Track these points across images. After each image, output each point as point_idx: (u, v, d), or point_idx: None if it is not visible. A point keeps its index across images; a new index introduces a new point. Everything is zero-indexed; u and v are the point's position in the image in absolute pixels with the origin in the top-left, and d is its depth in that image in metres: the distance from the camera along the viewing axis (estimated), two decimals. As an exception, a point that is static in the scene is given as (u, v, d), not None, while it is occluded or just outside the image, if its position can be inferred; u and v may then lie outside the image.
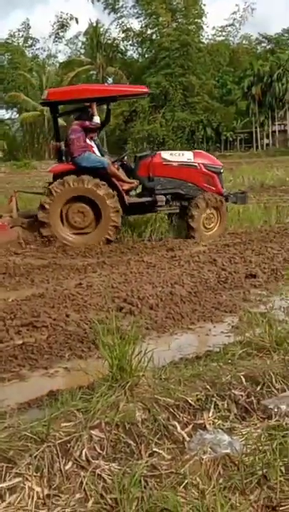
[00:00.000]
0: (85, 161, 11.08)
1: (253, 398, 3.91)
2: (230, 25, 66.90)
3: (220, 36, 67.28)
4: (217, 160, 12.73)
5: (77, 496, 3.02)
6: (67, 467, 3.15)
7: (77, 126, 11.32)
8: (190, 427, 3.60)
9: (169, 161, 11.74)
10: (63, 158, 11.72)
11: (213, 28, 76.56)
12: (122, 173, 11.59)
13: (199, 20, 64.98)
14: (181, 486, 3.04)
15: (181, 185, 11.73)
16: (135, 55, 69.80)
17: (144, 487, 3.05)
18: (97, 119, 11.49)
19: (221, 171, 12.34)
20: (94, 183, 10.94)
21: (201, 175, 11.83)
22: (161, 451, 3.38)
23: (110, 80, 68.51)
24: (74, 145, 11.10)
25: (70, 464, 3.17)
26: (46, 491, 3.01)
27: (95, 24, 66.69)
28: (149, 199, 11.61)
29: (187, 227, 11.61)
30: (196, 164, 11.86)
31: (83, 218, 11.15)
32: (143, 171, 11.70)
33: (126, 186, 11.44)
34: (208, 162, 12.12)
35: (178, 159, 11.83)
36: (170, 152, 12.27)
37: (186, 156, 12.02)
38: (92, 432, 3.35)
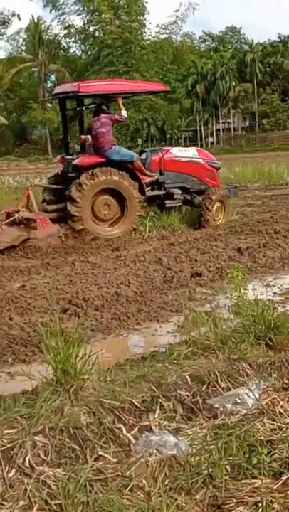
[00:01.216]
0: (115, 154, 11.45)
1: (198, 398, 3.93)
2: (173, 23, 67.24)
3: (163, 34, 67.61)
4: (214, 157, 13.65)
5: (21, 503, 2.97)
6: (10, 475, 3.09)
7: (107, 119, 11.59)
8: (136, 429, 3.59)
9: (179, 156, 12.53)
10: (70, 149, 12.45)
11: (157, 25, 76.92)
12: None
13: (142, 18, 65.15)
14: (127, 489, 3.03)
15: (187, 179, 12.50)
16: (78, 52, 69.47)
17: (90, 491, 3.03)
18: (124, 113, 12.03)
19: (219, 166, 13.54)
20: (120, 175, 11.34)
21: (204, 170, 12.76)
22: (106, 455, 3.36)
23: (53, 77, 67.99)
24: (104, 138, 11.42)
25: (14, 471, 3.11)
26: (-11, 500, 2.95)
27: (36, 20, 66.03)
28: (163, 192, 12.28)
29: (200, 219, 12.29)
30: (201, 160, 12.80)
31: (109, 210, 11.50)
32: (155, 165, 12.25)
33: (147, 179, 11.91)
34: (209, 158, 13.14)
35: (186, 155, 12.69)
36: (178, 148, 13.13)
37: (192, 152, 12.96)
38: (36, 437, 3.30)
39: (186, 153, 12.87)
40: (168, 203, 12.39)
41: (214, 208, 12.39)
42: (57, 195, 12.11)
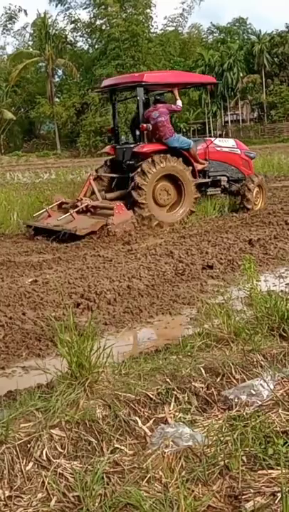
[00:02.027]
0: (176, 141, 12.13)
1: (213, 390, 3.94)
2: (179, 15, 66.95)
3: (170, 26, 67.29)
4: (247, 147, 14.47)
5: (40, 495, 2.99)
6: (28, 468, 3.12)
7: (165, 109, 12.22)
8: (151, 421, 3.61)
9: (221, 146, 13.27)
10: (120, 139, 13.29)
11: (165, 17, 76.49)
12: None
13: (148, 11, 64.89)
14: (144, 481, 3.04)
15: (227, 168, 13.23)
16: (85, 46, 69.28)
17: (107, 483, 3.05)
18: (180, 103, 12.62)
19: (254, 156, 14.40)
20: (178, 162, 11.94)
21: (241, 159, 13.55)
22: (123, 447, 3.38)
23: (60, 71, 67.87)
24: (165, 127, 12.03)
25: (31, 464, 3.14)
26: (7, 493, 2.98)
27: (42, 15, 65.91)
28: (209, 180, 12.96)
29: (241, 204, 13.07)
30: (238, 150, 13.62)
31: (168, 196, 11.99)
32: (201, 154, 12.75)
33: (200, 166, 12.57)
34: (244, 149, 13.97)
35: (226, 145, 13.47)
36: (219, 139, 13.74)
37: (231, 142, 13.77)
38: (53, 431, 3.32)
39: (226, 143, 13.62)
40: (210, 190, 13.09)
41: (254, 193, 13.07)
42: (111, 184, 12.76)
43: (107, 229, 10.82)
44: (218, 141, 13.39)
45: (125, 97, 14.80)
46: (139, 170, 11.60)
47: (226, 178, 13.12)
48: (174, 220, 11.87)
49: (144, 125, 12.19)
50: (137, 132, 12.78)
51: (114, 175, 12.79)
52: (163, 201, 11.97)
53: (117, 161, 12.85)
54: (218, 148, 13.18)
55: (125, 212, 11.20)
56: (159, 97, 12.73)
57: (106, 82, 14.41)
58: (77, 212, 11.39)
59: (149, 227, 11.44)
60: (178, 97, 12.63)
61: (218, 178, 13.08)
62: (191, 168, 12.18)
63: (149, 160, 11.64)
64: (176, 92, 12.73)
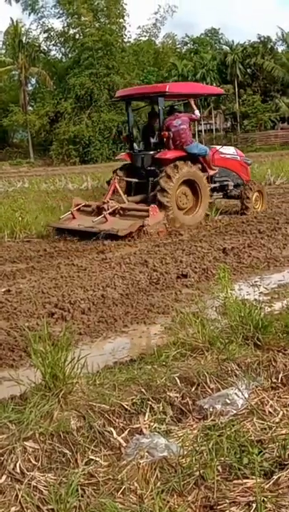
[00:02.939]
0: (195, 148, 12.94)
1: (188, 399, 3.93)
2: (152, 25, 67.18)
3: (144, 36, 67.57)
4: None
5: (13, 509, 2.95)
6: (1, 481, 3.08)
7: (187, 118, 13.04)
8: (126, 432, 3.59)
9: (224, 153, 14.10)
10: (135, 146, 13.94)
11: (138, 27, 76.83)
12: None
13: (121, 20, 65.12)
14: (119, 492, 3.03)
15: (229, 174, 14.05)
16: (58, 55, 69.19)
17: (82, 496, 3.02)
18: (197, 112, 13.44)
19: (250, 163, 15.34)
20: (197, 167, 12.74)
21: (241, 166, 14.42)
22: (97, 459, 3.35)
23: (33, 80, 67.70)
24: (185, 134, 12.79)
25: (4, 477, 3.10)
26: (-20, 507, 2.93)
27: (15, 24, 65.70)
28: (216, 185, 13.71)
29: (242, 207, 13.87)
30: (238, 157, 14.51)
31: (186, 199, 12.66)
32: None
33: (212, 172, 13.39)
34: (243, 156, 14.87)
35: (228, 152, 14.32)
36: (221, 147, 14.56)
37: (231, 150, 14.62)
38: (26, 443, 3.28)
39: (228, 150, 14.48)
40: (215, 195, 13.83)
41: (253, 198, 13.92)
42: (128, 188, 13.30)
43: (143, 229, 11.42)
44: (221, 149, 14.22)
45: (139, 107, 16.29)
46: (163, 174, 12.23)
47: (232, 183, 13.96)
48: (195, 222, 12.57)
49: (166, 133, 12.78)
50: (152, 140, 13.67)
51: (134, 179, 13.35)
52: (182, 204, 12.58)
53: (133, 167, 13.46)
54: (222, 156, 13.97)
55: (158, 213, 11.81)
56: (176, 107, 13.78)
57: (123, 92, 15.64)
58: (111, 214, 11.97)
59: (172, 228, 11.99)
60: (195, 107, 13.52)
61: (225, 183, 13.90)
62: (206, 173, 13.04)
63: (172, 165, 12.29)
64: (192, 102, 13.63)
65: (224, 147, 14.64)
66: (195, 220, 12.62)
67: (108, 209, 12.00)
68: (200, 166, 12.86)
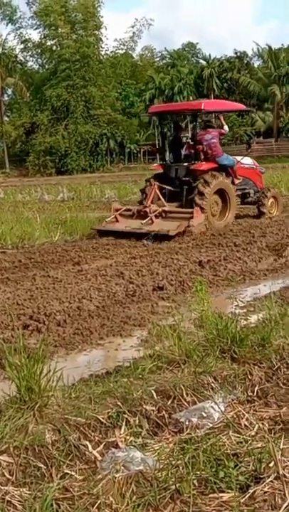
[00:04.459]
0: (225, 160, 14.18)
1: (164, 412, 3.92)
2: (130, 38, 67.50)
3: (121, 49, 67.86)
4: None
5: (-14, 525, 2.90)
6: (-26, 496, 3.03)
7: (217, 132, 14.29)
8: (102, 445, 3.56)
9: (244, 164, 15.13)
10: (166, 157, 15.13)
11: (115, 40, 77.14)
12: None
13: (98, 33, 65.37)
14: (95, 507, 2.99)
15: (247, 182, 15.17)
16: (35, 66, 69.15)
17: (57, 510, 2.98)
18: (226, 127, 14.98)
19: (264, 171, 16.63)
20: (227, 178, 13.95)
21: (256, 174, 15.65)
22: (72, 473, 3.32)
23: (9, 91, 67.54)
24: (217, 147, 14.05)
25: (-22, 492, 3.05)
26: None
27: (-8, 34, 65.65)
28: (239, 193, 14.62)
29: (259, 212, 15.22)
30: (254, 166, 15.79)
31: (217, 207, 13.77)
32: None
33: (237, 181, 14.46)
34: (258, 165, 16.15)
35: (247, 162, 15.42)
36: (240, 157, 15.21)
37: (249, 160, 15.71)
38: (0, 457, 3.24)
39: (245, 160, 15.40)
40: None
41: (269, 203, 15.22)
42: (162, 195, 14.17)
43: (189, 230, 12.49)
44: (240, 159, 15.00)
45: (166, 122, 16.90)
46: (202, 180, 13.40)
47: (252, 191, 15.20)
48: (225, 226, 13.65)
49: (200, 146, 14.01)
50: (183, 152, 14.98)
51: (168, 187, 14.33)
52: (214, 211, 13.66)
53: (165, 176, 14.53)
54: (242, 165, 14.95)
55: (201, 215, 12.96)
56: (209, 123, 14.84)
57: (157, 108, 18.00)
58: (155, 216, 13.13)
59: (207, 230, 12.98)
60: (224, 123, 14.79)
61: (246, 191, 15.07)
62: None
63: (210, 173, 13.55)
64: (221, 117, 14.93)
65: (242, 157, 15.41)
66: (225, 224, 13.77)
67: (152, 212, 13.17)
68: (229, 176, 14.08)
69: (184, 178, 14.09)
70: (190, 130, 14.95)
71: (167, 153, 15.36)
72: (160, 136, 16.14)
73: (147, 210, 13.35)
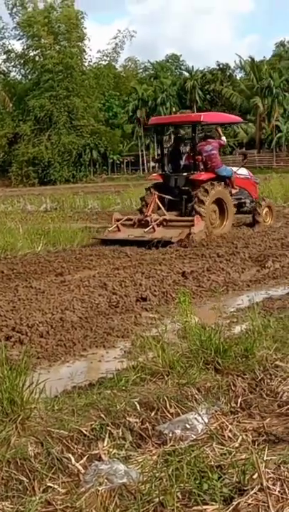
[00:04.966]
0: (224, 171, 14.80)
1: (147, 424, 3.90)
2: (112, 50, 67.74)
3: (104, 60, 68.08)
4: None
5: None
6: None
7: (217, 143, 14.78)
8: (85, 458, 3.53)
9: (240, 174, 15.64)
10: (165, 168, 15.69)
11: (98, 51, 77.46)
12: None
13: (81, 44, 65.60)
14: (78, 520, 2.96)
15: (242, 192, 15.61)
16: (18, 77, 69.16)
17: (39, 524, 2.94)
18: (224, 139, 15.37)
19: (258, 181, 17.34)
20: (225, 187, 14.55)
21: (251, 185, 16.12)
22: (55, 486, 3.29)
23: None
24: (216, 158, 14.62)
25: None
26: None
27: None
28: (235, 202, 15.09)
29: (253, 221, 15.52)
30: (249, 176, 16.27)
31: (215, 215, 14.35)
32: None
33: (234, 191, 14.99)
34: (252, 176, 16.72)
35: (242, 173, 15.94)
36: (236, 168, 15.89)
37: (244, 171, 16.22)
38: (-18, 471, 3.20)
39: (241, 171, 15.96)
40: None
41: (264, 213, 15.62)
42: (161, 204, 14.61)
43: (191, 237, 12.86)
44: (236, 170, 15.62)
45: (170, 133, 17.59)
46: (201, 189, 13.92)
47: (248, 201, 15.68)
48: (222, 233, 14.07)
49: (200, 157, 14.56)
50: (181, 162, 15.53)
51: (168, 196, 14.78)
52: (212, 220, 14.19)
53: (165, 186, 14.93)
54: (238, 176, 15.46)
55: (201, 223, 13.41)
56: (208, 134, 15.40)
57: (157, 120, 18.98)
58: (157, 225, 13.63)
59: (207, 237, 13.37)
60: (222, 134, 15.22)
61: (242, 200, 15.55)
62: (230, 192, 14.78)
63: (209, 183, 14.06)
64: (219, 129, 15.36)
65: (238, 168, 15.98)
66: (222, 231, 14.21)
67: (153, 221, 13.67)
68: (227, 186, 14.62)
69: (183, 188, 14.61)
70: (189, 141, 15.52)
71: (165, 163, 15.93)
72: (160, 147, 16.87)
73: (148, 219, 13.87)
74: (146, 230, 13.63)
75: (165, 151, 16.39)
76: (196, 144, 14.91)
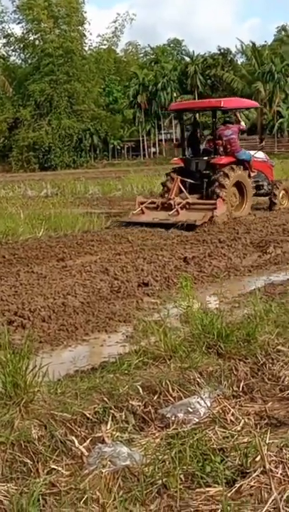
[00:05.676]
0: (243, 155, 15.19)
1: (150, 408, 3.93)
2: (112, 34, 67.18)
3: (104, 45, 67.56)
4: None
5: (-28, 521, 2.89)
6: None
7: (237, 128, 15.30)
8: (88, 441, 3.56)
9: (256, 157, 15.91)
10: (186, 152, 15.98)
11: (98, 35, 76.86)
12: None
13: (81, 28, 65.10)
14: (81, 502, 2.99)
15: (260, 175, 16.14)
16: (18, 61, 68.69)
17: (43, 505, 2.98)
18: (243, 123, 16.00)
19: (274, 164, 17.94)
20: (244, 171, 14.99)
21: (268, 167, 16.71)
22: (59, 468, 3.32)
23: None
24: (235, 143, 15.07)
25: None
26: None
27: (-26, 29, 65.02)
28: (253, 185, 15.69)
29: (270, 204, 16.08)
30: (266, 160, 16.88)
31: (235, 198, 14.79)
32: None
33: (252, 174, 15.47)
34: (268, 159, 17.38)
35: (260, 156, 16.37)
36: (254, 152, 16.10)
37: (261, 154, 16.69)
38: (-13, 453, 3.23)
39: (259, 154, 16.33)
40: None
41: (280, 195, 16.14)
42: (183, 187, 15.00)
43: (213, 219, 13.42)
44: (256, 154, 15.95)
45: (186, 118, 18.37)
46: (222, 173, 14.28)
47: (266, 183, 16.26)
48: (242, 215, 14.59)
49: (220, 141, 15.03)
50: (201, 146, 15.98)
51: (189, 180, 15.10)
52: (232, 203, 14.60)
53: (185, 170, 15.34)
54: (256, 159, 15.77)
55: (223, 206, 13.91)
56: (228, 119, 16.10)
57: (178, 106, 20.04)
58: (180, 208, 14.00)
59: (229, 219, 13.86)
60: (240, 119, 15.97)
61: (260, 183, 16.14)
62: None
63: (229, 167, 14.45)
64: (238, 114, 16.31)
65: (255, 152, 16.24)
66: (242, 214, 14.69)
67: (176, 204, 14.02)
68: (246, 169, 15.04)
69: (204, 172, 15.01)
70: (210, 126, 16.55)
71: (186, 148, 16.24)
72: (180, 132, 17.24)
73: (172, 202, 14.24)
74: (170, 213, 14.02)
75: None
76: (216, 128, 15.48)
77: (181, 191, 14.80)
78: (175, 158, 17.11)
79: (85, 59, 64.27)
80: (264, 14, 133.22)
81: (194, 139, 16.27)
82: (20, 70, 66.27)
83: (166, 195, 14.92)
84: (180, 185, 14.81)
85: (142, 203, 14.98)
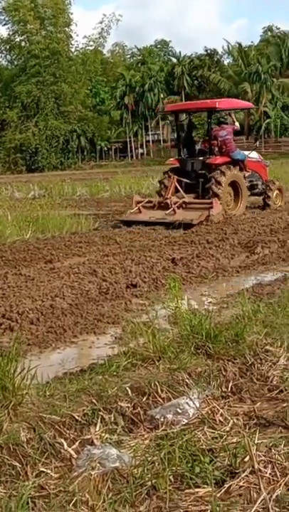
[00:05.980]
0: (238, 155, 15.50)
1: (139, 409, 3.93)
2: (98, 34, 67.17)
3: (90, 46, 67.54)
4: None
5: None
6: None
7: (231, 129, 15.50)
8: (77, 443, 3.55)
9: (250, 157, 16.22)
10: (181, 153, 16.18)
11: (84, 37, 76.84)
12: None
13: (68, 29, 65.06)
14: (71, 504, 2.98)
15: (254, 175, 16.35)
16: (4, 62, 68.51)
17: (32, 508, 2.97)
18: (237, 124, 16.19)
19: (268, 164, 18.05)
20: (239, 170, 15.27)
21: (262, 167, 16.93)
22: (48, 471, 3.30)
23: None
24: (231, 143, 15.34)
25: None
26: None
27: None
28: (248, 184, 15.88)
29: (264, 203, 16.38)
30: (260, 160, 17.19)
31: (230, 197, 15.05)
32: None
33: (247, 174, 15.76)
34: (262, 159, 17.62)
35: (254, 156, 16.63)
36: (248, 152, 16.59)
37: (255, 154, 16.99)
38: (-25, 457, 3.21)
39: (253, 155, 16.63)
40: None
41: (274, 195, 16.41)
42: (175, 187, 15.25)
43: (210, 218, 13.54)
44: (248, 154, 16.28)
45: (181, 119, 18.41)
46: (218, 171, 14.59)
47: (260, 183, 16.45)
48: (238, 214, 14.83)
49: (215, 142, 15.29)
50: (197, 147, 16.43)
51: (185, 180, 15.35)
52: (227, 201, 14.86)
53: (181, 170, 15.60)
54: (250, 159, 16.08)
55: (219, 205, 14.07)
56: (222, 119, 16.32)
57: (173, 107, 20.33)
58: (177, 207, 14.26)
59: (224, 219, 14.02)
60: (235, 119, 16.16)
61: (255, 182, 16.31)
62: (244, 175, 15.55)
63: (225, 166, 14.76)
64: (233, 115, 16.42)
65: (249, 152, 16.66)
66: (237, 213, 14.83)
67: (173, 204, 14.31)
68: (241, 169, 15.34)
69: (199, 172, 15.29)
70: (204, 127, 16.77)
71: (182, 148, 16.44)
72: (176, 133, 17.61)
73: (168, 201, 14.53)
74: (167, 212, 14.24)
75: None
76: (211, 129, 15.64)
77: (177, 191, 15.04)
78: (171, 159, 17.42)
79: (72, 60, 64.27)
80: (251, 15, 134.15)
81: (190, 140, 16.59)
82: (6, 72, 66.13)
83: (162, 193, 15.20)
84: (176, 184, 15.05)
85: (138, 202, 15.20)
